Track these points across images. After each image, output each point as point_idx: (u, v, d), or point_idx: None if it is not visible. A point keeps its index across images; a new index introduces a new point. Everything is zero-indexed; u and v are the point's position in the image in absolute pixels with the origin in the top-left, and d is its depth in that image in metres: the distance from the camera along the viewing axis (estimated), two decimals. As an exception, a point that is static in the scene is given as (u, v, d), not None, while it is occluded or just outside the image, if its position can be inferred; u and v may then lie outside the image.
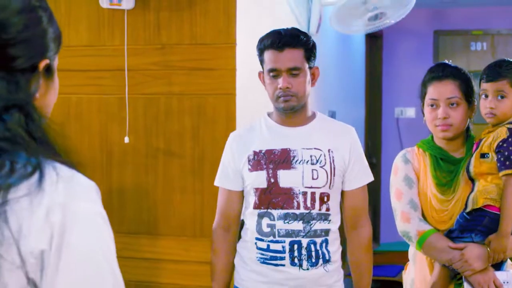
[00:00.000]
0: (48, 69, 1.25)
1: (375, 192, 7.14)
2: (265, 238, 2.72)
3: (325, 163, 2.72)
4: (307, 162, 2.71)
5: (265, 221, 2.72)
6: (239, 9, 3.44)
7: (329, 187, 2.72)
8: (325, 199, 2.72)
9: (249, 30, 3.54)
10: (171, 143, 3.53)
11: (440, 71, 2.72)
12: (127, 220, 3.55)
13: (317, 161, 2.72)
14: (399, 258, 5.73)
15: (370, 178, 2.84)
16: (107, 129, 3.62)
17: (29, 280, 1.10)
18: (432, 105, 2.70)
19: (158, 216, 3.56)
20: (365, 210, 2.85)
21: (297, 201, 2.69)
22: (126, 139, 3.52)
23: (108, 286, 1.14)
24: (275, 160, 2.72)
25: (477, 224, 2.57)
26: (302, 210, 2.68)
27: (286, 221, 2.69)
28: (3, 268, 1.09)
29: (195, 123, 3.47)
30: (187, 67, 3.49)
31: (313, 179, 2.70)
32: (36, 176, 1.11)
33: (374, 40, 7.43)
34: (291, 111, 2.74)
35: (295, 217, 2.68)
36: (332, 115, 5.35)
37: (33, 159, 1.12)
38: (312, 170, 2.71)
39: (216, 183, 2.88)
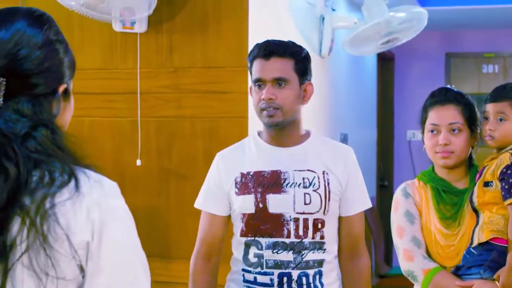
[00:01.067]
0: (65, 92, 1.44)
1: (387, 215, 7.06)
2: (252, 270, 2.48)
3: (319, 186, 2.47)
4: (299, 185, 2.46)
5: (253, 250, 2.48)
6: (251, 32, 3.45)
7: (324, 212, 2.47)
8: (319, 226, 2.47)
9: (261, 53, 3.54)
10: (183, 166, 3.53)
11: (442, 96, 2.58)
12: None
13: (310, 184, 2.47)
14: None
15: (368, 204, 2.63)
16: (120, 151, 3.62)
17: (80, 268, 1.33)
18: (432, 131, 2.55)
19: (170, 239, 3.56)
20: (363, 239, 2.62)
21: (287, 229, 2.44)
22: (138, 162, 3.53)
23: (138, 266, 1.39)
24: (264, 183, 2.47)
25: (485, 259, 2.41)
26: (292, 238, 2.44)
27: (274, 251, 2.44)
28: (60, 261, 1.30)
29: (207, 146, 3.47)
30: (200, 90, 3.50)
31: (305, 204, 2.45)
32: (72, 182, 1.32)
33: (386, 63, 7.44)
34: (277, 127, 2.49)
35: (285, 247, 2.44)
36: (344, 137, 5.34)
37: (67, 168, 1.33)
38: (305, 194, 2.46)
39: (197, 206, 2.63)
